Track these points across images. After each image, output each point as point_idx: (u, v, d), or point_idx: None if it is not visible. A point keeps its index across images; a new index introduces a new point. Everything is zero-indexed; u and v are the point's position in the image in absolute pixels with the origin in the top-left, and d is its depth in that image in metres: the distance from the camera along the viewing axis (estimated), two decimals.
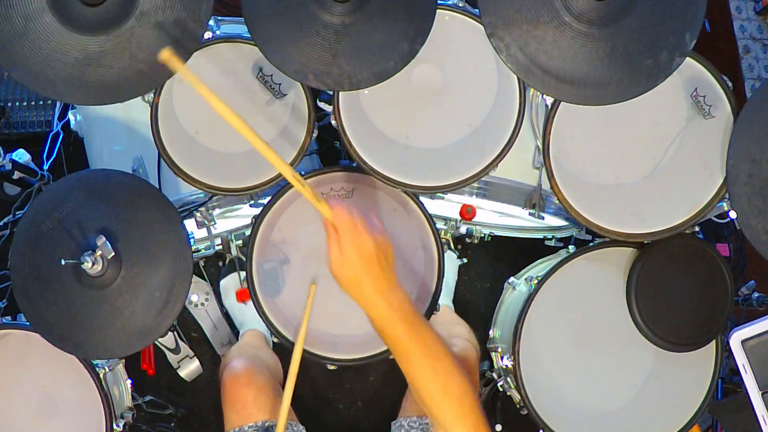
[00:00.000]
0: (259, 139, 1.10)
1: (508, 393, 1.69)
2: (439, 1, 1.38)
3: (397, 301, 1.10)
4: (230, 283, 2.03)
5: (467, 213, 1.69)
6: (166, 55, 1.08)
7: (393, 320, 1.09)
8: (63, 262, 1.23)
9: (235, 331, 2.03)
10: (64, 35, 1.21)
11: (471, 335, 1.77)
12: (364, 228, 1.08)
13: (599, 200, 1.49)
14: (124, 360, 1.57)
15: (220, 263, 2.06)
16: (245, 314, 1.98)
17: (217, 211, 1.64)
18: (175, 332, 1.99)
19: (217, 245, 1.78)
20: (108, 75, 1.23)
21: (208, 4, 1.24)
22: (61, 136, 2.02)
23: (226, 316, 2.04)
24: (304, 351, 1.49)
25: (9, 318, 1.47)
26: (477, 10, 1.37)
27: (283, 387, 1.56)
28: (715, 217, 1.58)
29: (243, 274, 1.52)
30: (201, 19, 1.24)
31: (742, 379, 1.28)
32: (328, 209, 1.10)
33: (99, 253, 1.22)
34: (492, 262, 2.14)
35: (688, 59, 1.34)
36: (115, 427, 1.43)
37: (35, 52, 1.21)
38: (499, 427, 1.96)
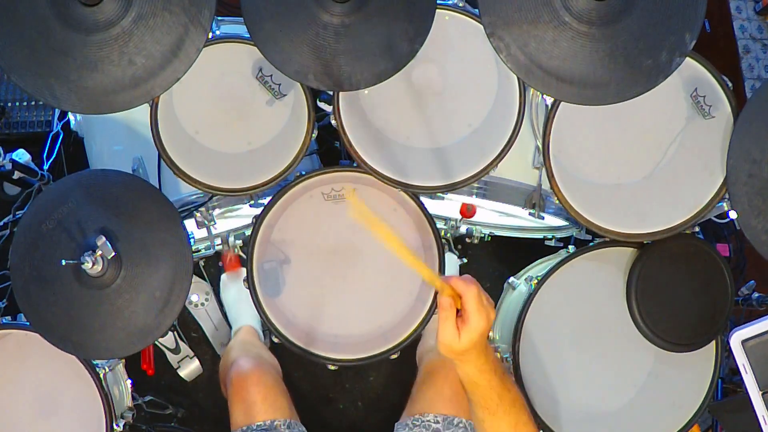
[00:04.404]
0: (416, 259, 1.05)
1: None
2: (439, 1, 1.38)
3: (492, 356, 1.11)
4: (231, 278, 2.03)
5: (468, 211, 1.69)
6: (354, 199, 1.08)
7: (489, 373, 1.10)
8: (63, 263, 1.23)
9: (229, 326, 2.04)
10: (63, 36, 1.21)
11: None
12: (487, 304, 1.05)
13: (599, 200, 1.49)
14: (124, 360, 1.57)
15: (220, 263, 2.06)
16: (240, 309, 1.98)
17: (217, 211, 1.64)
18: (175, 332, 1.99)
19: (217, 245, 1.78)
20: (106, 81, 1.22)
21: (211, 10, 1.24)
22: (61, 136, 2.02)
23: (222, 308, 2.05)
24: (304, 351, 1.49)
25: (9, 318, 1.47)
26: (477, 10, 1.37)
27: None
28: (715, 217, 1.58)
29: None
30: (203, 25, 1.23)
31: (742, 379, 1.28)
32: (448, 287, 1.05)
33: (99, 253, 1.22)
34: (492, 262, 2.14)
35: (688, 59, 1.34)
36: (115, 427, 1.43)
37: (35, 55, 1.21)
38: None
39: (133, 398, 1.61)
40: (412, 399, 1.54)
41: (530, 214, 1.62)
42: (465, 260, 2.08)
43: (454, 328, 1.03)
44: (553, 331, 1.58)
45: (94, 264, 1.21)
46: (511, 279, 1.78)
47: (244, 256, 1.53)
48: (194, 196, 1.58)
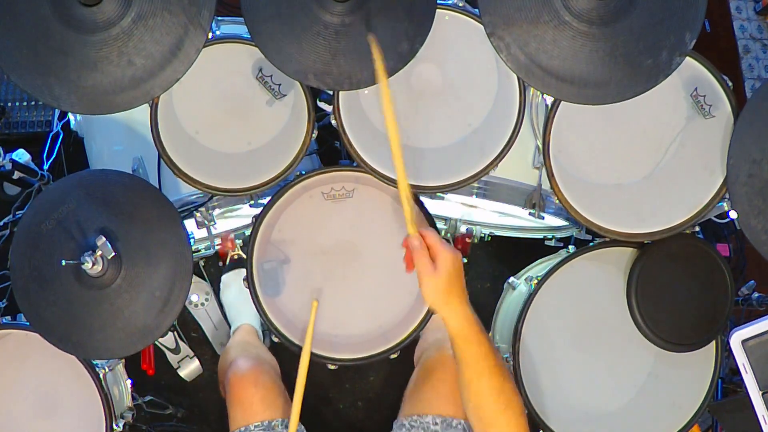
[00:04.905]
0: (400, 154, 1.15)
1: None
2: (439, 1, 1.38)
3: (475, 315, 1.13)
4: (232, 278, 2.03)
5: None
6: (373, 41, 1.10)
7: (477, 331, 1.12)
8: (63, 263, 1.23)
9: (229, 326, 2.04)
10: (63, 36, 1.21)
11: None
12: (450, 246, 1.12)
13: (599, 200, 1.49)
14: (124, 360, 1.57)
15: (220, 263, 2.06)
16: (240, 309, 1.98)
17: (217, 211, 1.64)
18: (175, 332, 1.99)
19: (217, 245, 1.78)
20: (105, 82, 1.22)
21: (210, 10, 1.24)
22: (61, 136, 2.02)
23: (221, 308, 2.05)
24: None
25: (9, 318, 1.47)
26: (477, 10, 1.37)
27: (286, 387, 1.57)
28: (715, 217, 1.58)
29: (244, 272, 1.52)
30: (203, 25, 1.23)
31: (742, 379, 1.29)
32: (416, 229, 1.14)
33: (99, 253, 1.22)
34: (492, 262, 2.14)
35: (688, 59, 1.34)
36: (115, 427, 1.43)
37: (35, 55, 1.21)
38: None
39: (133, 398, 1.61)
40: (410, 397, 1.54)
41: (530, 214, 1.62)
42: (465, 260, 2.07)
43: (429, 262, 1.11)
44: (553, 332, 1.58)
45: (94, 264, 1.21)
46: (511, 279, 1.78)
47: (244, 255, 1.52)
48: (194, 196, 1.58)
